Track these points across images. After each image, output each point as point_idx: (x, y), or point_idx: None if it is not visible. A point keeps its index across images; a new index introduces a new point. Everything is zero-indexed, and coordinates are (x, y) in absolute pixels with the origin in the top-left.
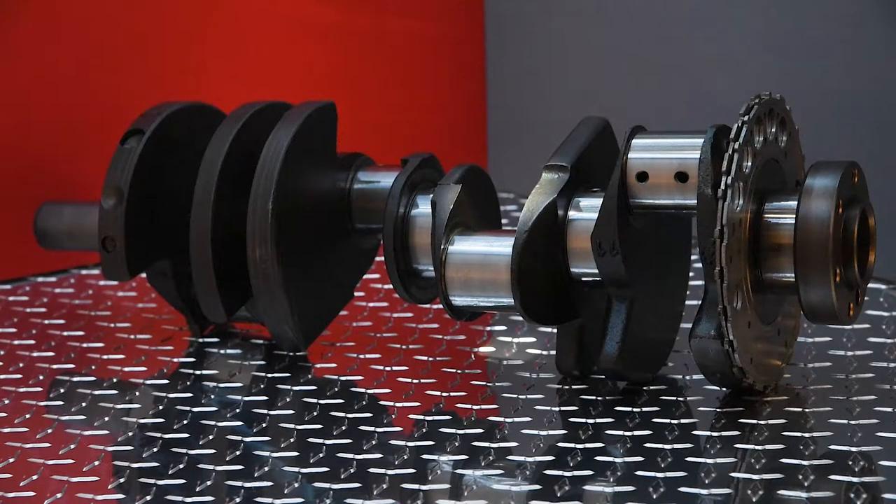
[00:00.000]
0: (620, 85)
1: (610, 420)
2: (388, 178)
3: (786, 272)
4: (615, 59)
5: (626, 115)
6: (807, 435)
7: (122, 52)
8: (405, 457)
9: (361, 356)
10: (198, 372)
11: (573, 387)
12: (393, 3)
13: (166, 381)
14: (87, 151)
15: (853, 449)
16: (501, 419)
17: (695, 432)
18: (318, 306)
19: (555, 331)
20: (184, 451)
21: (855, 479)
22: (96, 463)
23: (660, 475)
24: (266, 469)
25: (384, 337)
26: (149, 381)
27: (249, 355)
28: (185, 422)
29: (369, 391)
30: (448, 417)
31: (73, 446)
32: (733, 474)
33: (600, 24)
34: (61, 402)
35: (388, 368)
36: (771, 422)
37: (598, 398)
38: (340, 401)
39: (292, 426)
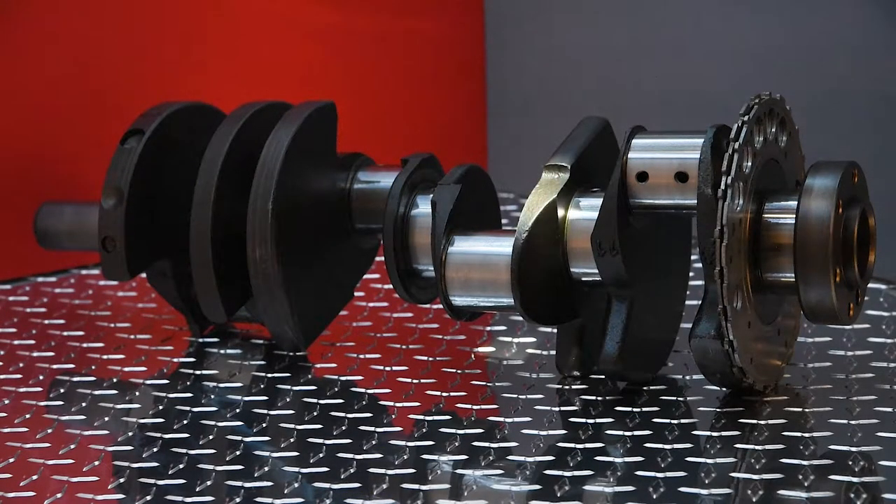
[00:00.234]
0: (620, 85)
1: (610, 420)
2: (388, 178)
3: (786, 272)
4: (615, 59)
5: (626, 115)
6: (807, 435)
7: (123, 51)
8: (405, 457)
9: (361, 356)
10: (198, 372)
11: (573, 387)
12: (393, 3)
13: (166, 381)
14: (87, 151)
15: (853, 449)
16: (501, 419)
17: (695, 432)
18: (318, 306)
19: (555, 331)
20: (184, 451)
21: (855, 479)
22: (96, 463)
23: (660, 475)
24: (266, 469)
25: (384, 337)
26: (149, 381)
27: (249, 355)
28: (185, 422)
29: (369, 391)
30: (448, 417)
31: (73, 446)
32: (733, 474)
33: (600, 24)
34: (61, 402)
35: (388, 368)
36: (771, 422)
37: (598, 398)
38: (340, 401)
39: (292, 426)
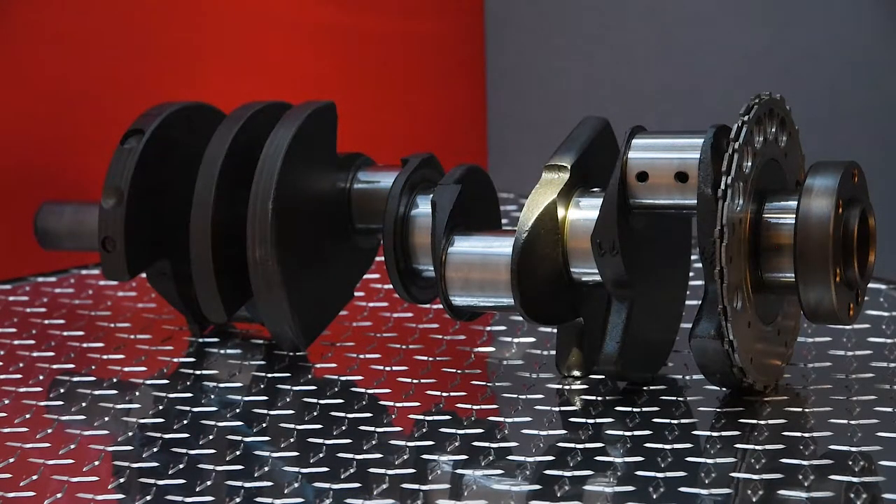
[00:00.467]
0: (620, 85)
1: (610, 420)
2: (388, 178)
3: (786, 272)
4: (615, 59)
5: (626, 115)
6: (807, 435)
7: (123, 52)
8: (405, 457)
9: (361, 356)
10: (198, 372)
11: (573, 387)
12: (393, 4)
13: (166, 381)
14: (87, 151)
15: (853, 449)
16: (501, 419)
17: (695, 432)
18: (318, 306)
19: (555, 331)
20: (184, 451)
21: (855, 479)
22: (96, 463)
23: (660, 475)
24: (266, 469)
25: (384, 337)
26: (149, 381)
27: (249, 355)
28: (185, 422)
29: (369, 391)
30: (448, 417)
31: (73, 446)
32: (733, 474)
33: (600, 24)
34: (61, 402)
35: (388, 368)
36: (771, 422)
37: (598, 398)
38: (340, 401)
39: (292, 426)
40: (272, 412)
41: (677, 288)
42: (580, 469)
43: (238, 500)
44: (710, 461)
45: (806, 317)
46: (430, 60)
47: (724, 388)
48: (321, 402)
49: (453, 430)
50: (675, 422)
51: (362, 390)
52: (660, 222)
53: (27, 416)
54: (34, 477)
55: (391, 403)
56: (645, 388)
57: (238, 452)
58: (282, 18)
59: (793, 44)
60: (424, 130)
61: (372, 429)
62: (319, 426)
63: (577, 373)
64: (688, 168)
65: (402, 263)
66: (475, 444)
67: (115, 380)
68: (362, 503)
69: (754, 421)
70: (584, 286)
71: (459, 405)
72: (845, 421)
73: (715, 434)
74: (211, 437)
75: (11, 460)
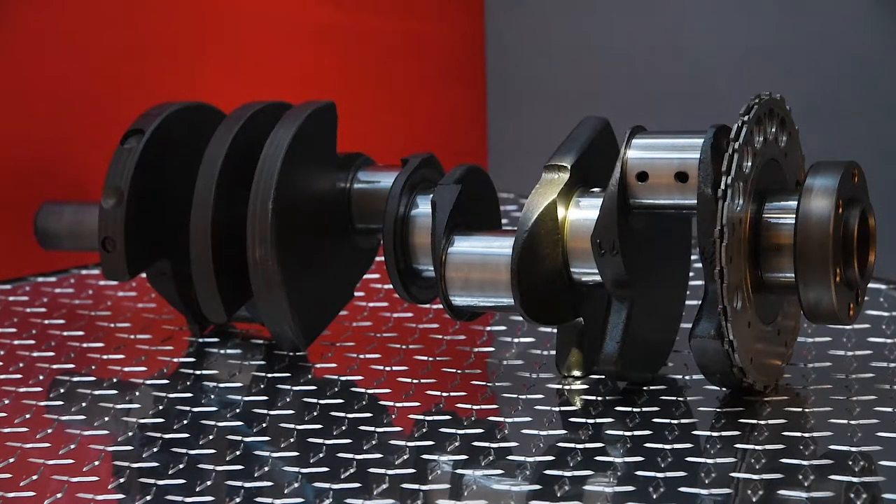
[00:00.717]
0: (620, 85)
1: (610, 420)
2: (388, 178)
3: (786, 272)
4: (615, 59)
5: (626, 115)
6: (807, 435)
7: (123, 51)
8: (405, 457)
9: (361, 356)
10: (198, 372)
11: (573, 387)
12: (393, 3)
13: (166, 381)
14: (87, 151)
15: (853, 449)
16: (501, 419)
17: (695, 432)
18: (318, 306)
19: (555, 331)
20: (184, 451)
21: (855, 479)
22: (96, 463)
23: (660, 475)
24: (266, 469)
25: (384, 337)
26: (149, 381)
27: (249, 355)
28: (185, 422)
29: (369, 391)
30: (448, 417)
31: (73, 446)
32: (733, 474)
33: (600, 25)
34: (61, 402)
35: (388, 368)
36: (771, 422)
37: (598, 398)
38: (340, 401)
39: (292, 426)
40: (272, 412)
41: (677, 288)
42: (580, 469)
43: (238, 500)
44: (710, 461)
45: (806, 317)
46: (430, 60)
47: (724, 388)
48: (321, 402)
49: (453, 430)
50: (675, 422)
51: (362, 390)
52: (660, 222)
53: (27, 416)
54: (34, 477)
55: (391, 403)
56: (645, 388)
57: (238, 452)
58: (281, 18)
59: (793, 44)
60: (424, 130)
61: (372, 429)
62: (319, 426)
63: (577, 373)
64: (688, 168)
65: (402, 263)
66: (475, 444)
67: (115, 380)
68: (362, 503)
69: (754, 421)
70: (584, 286)
71: (459, 405)
72: (845, 421)
73: (715, 434)
74: (211, 437)
75: (11, 460)
